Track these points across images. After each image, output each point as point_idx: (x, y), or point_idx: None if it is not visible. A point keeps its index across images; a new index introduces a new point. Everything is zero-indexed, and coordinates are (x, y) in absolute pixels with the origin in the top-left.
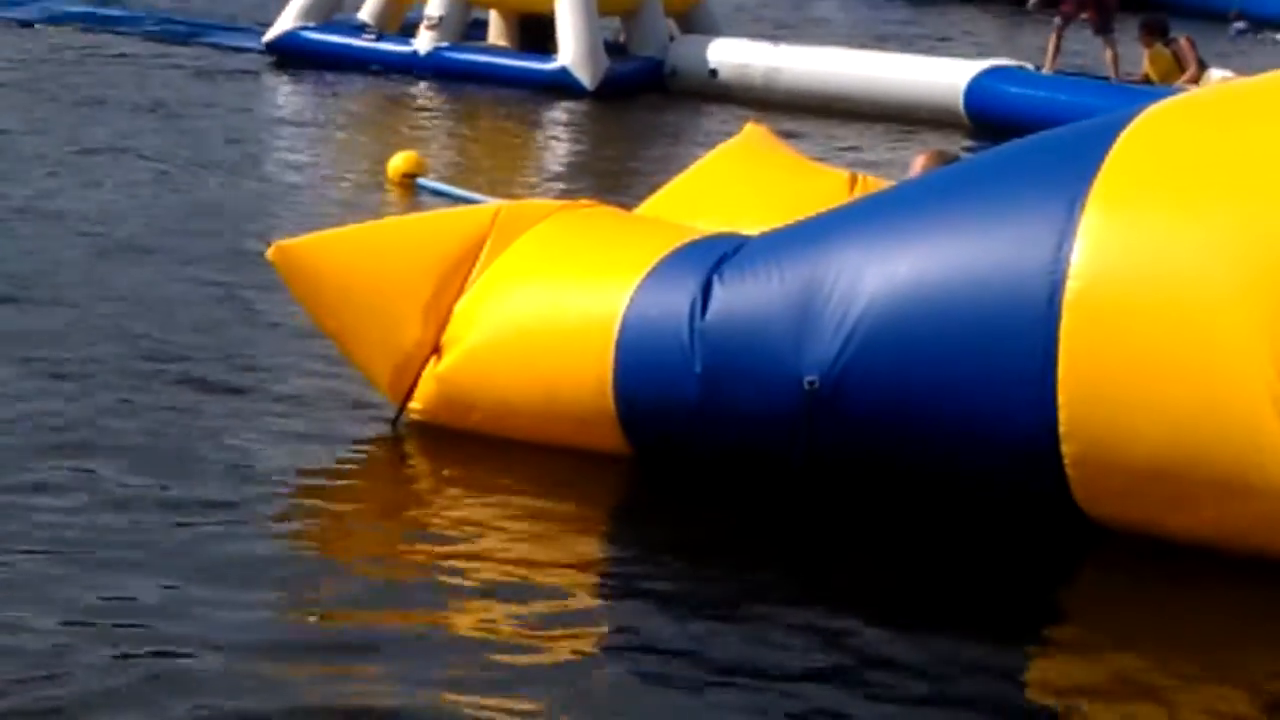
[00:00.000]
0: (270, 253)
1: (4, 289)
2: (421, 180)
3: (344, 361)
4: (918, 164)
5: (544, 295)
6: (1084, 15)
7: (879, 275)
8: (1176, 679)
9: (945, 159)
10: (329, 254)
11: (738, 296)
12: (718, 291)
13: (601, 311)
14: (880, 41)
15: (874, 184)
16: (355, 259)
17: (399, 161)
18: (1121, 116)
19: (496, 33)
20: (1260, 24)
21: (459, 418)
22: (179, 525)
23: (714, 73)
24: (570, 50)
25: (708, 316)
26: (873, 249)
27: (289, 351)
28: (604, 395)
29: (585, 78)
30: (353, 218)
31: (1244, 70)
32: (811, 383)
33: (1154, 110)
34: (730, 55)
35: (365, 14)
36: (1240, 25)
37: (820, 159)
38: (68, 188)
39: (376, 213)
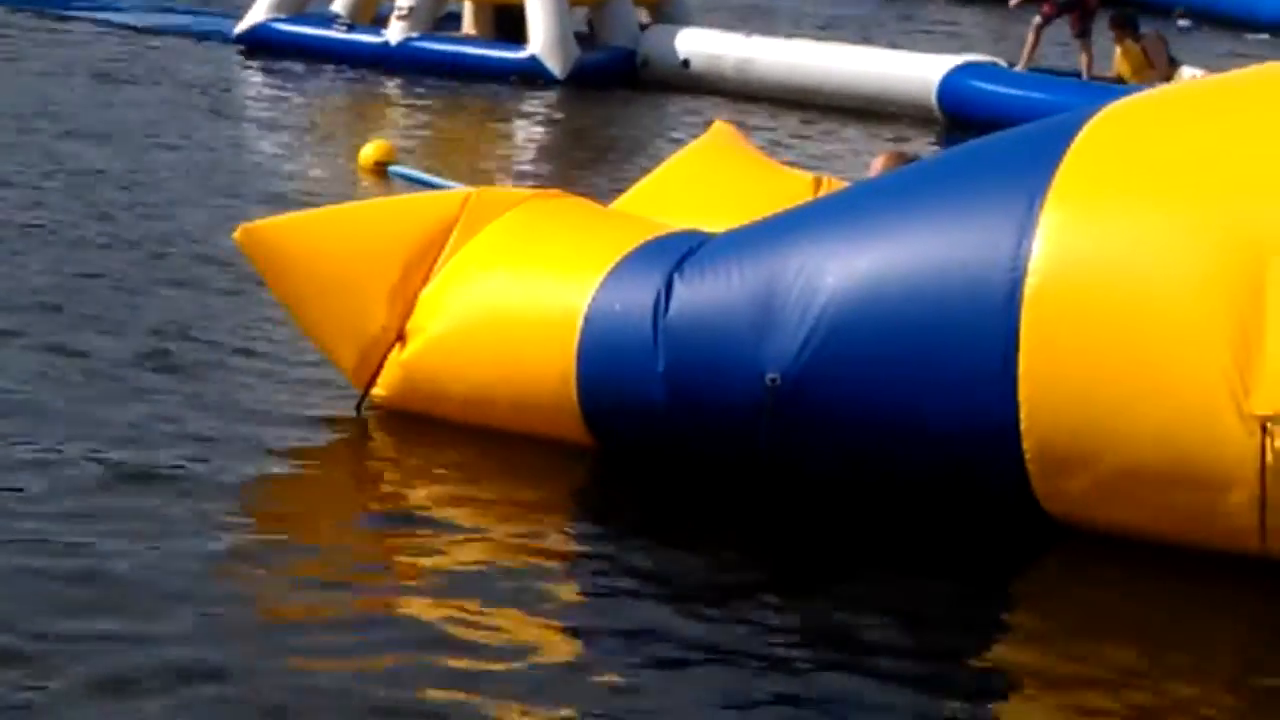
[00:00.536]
0: (237, 234)
1: None
2: (393, 168)
3: (309, 345)
4: (877, 164)
5: (509, 286)
6: (1064, 17)
7: (840, 272)
8: (1142, 667)
9: (904, 159)
10: (296, 236)
11: (700, 293)
12: (680, 288)
13: (566, 305)
14: (856, 34)
15: (838, 185)
16: (322, 241)
17: (371, 150)
18: (1081, 114)
19: (471, 23)
20: (1204, 20)
21: (423, 404)
22: (135, 502)
23: (686, 63)
24: (540, 39)
25: (670, 313)
26: (834, 246)
27: (253, 336)
28: (567, 389)
29: (555, 66)
30: (325, 206)
31: (1198, 64)
32: (773, 379)
33: (1113, 107)
34: (702, 45)
35: (338, 6)
36: (1184, 23)
37: (787, 152)
38: (33, 173)
39: (348, 201)
